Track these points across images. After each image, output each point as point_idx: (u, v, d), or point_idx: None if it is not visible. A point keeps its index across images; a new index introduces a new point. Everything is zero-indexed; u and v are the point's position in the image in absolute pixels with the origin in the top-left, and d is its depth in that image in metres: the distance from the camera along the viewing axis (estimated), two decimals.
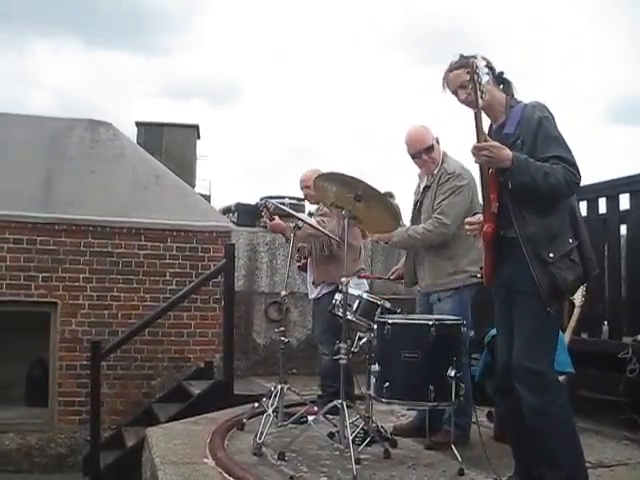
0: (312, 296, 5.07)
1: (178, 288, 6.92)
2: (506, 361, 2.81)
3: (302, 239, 4.80)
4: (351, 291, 3.77)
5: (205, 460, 3.61)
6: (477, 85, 2.56)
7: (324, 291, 4.88)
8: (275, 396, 4.11)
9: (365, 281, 4.92)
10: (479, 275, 2.96)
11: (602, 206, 4.78)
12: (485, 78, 2.66)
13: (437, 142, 4.10)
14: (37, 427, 6.81)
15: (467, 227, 2.95)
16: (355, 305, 3.81)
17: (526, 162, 2.58)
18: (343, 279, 3.66)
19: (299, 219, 4.55)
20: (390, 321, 3.51)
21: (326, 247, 4.79)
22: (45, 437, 6.75)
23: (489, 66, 2.82)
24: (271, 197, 7.78)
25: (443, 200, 3.95)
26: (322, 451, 3.74)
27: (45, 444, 6.74)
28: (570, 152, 2.66)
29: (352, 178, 3.68)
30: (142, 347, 6.98)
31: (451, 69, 2.89)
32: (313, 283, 4.98)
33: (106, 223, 7.07)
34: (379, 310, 3.78)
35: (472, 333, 4.02)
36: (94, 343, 6.19)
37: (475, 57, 2.72)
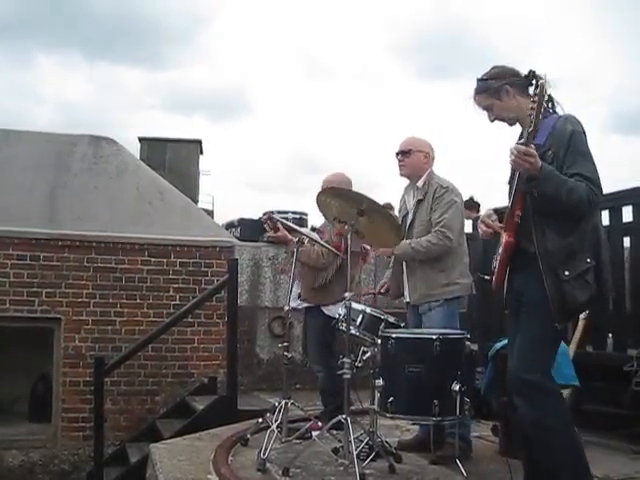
0: (293, 305, 4.81)
1: (181, 303, 6.91)
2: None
3: (302, 260, 4.69)
4: (354, 306, 3.77)
5: (209, 476, 3.61)
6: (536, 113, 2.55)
7: (305, 304, 4.84)
8: (279, 411, 4.11)
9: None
10: (487, 277, 2.94)
11: (605, 218, 4.76)
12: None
13: (425, 156, 4.12)
14: (40, 443, 6.77)
15: (482, 227, 2.89)
16: (359, 320, 3.81)
17: (553, 174, 2.59)
18: (346, 294, 3.65)
19: (303, 234, 4.56)
20: (394, 335, 3.51)
21: (321, 279, 4.69)
22: (48, 453, 6.72)
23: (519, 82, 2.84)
24: (274, 212, 7.79)
25: (444, 214, 3.96)
26: (327, 466, 3.73)
27: (48, 460, 6.70)
28: (595, 170, 2.66)
29: (356, 193, 3.71)
30: (146, 363, 6.96)
31: (474, 94, 2.93)
32: (299, 296, 4.88)
33: (109, 239, 7.07)
34: (383, 324, 3.77)
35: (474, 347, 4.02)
36: (97, 359, 6.18)
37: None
